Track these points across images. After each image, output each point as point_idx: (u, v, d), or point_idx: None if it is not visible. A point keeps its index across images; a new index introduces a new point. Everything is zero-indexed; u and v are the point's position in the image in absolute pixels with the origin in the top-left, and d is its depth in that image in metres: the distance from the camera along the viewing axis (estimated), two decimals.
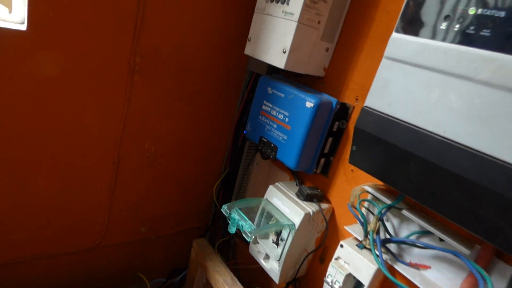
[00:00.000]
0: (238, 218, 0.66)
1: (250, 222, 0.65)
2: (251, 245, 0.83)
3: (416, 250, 0.60)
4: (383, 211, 0.61)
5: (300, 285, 0.83)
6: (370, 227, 0.61)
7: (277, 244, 0.77)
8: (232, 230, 0.67)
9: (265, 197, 0.78)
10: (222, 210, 0.69)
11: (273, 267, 0.77)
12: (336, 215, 0.76)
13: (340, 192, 0.75)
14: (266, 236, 0.81)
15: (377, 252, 0.59)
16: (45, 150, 0.73)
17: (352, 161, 0.59)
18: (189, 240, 0.96)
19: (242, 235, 0.67)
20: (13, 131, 0.68)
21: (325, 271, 0.67)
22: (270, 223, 0.76)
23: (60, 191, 0.79)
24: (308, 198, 0.74)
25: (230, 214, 0.67)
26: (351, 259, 0.64)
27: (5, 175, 0.70)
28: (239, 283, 0.77)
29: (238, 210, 0.68)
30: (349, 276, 0.65)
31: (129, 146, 0.83)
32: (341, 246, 0.66)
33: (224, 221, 1.05)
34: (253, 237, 0.68)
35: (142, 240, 0.98)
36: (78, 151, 0.77)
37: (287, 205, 0.73)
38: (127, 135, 0.82)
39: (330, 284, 0.66)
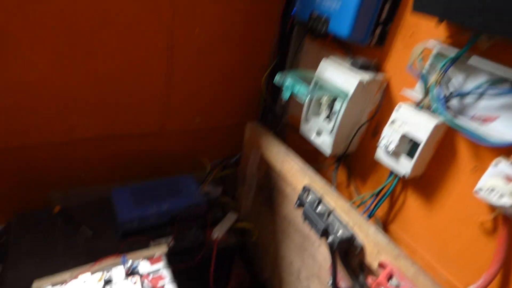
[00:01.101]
0: (293, 83, 0.67)
1: (306, 85, 0.66)
2: (302, 124, 0.84)
3: (481, 104, 0.58)
4: (447, 65, 0.58)
5: (350, 161, 0.85)
6: (432, 80, 0.59)
7: (329, 119, 0.78)
8: (287, 95, 0.68)
9: (316, 72, 0.77)
10: (275, 79, 0.70)
11: (324, 140, 0.79)
12: (392, 87, 0.74)
13: (397, 61, 0.72)
14: (317, 113, 0.82)
15: (439, 103, 0.57)
16: (106, 36, 0.77)
17: (417, 6, 0.55)
18: (241, 133, 1.00)
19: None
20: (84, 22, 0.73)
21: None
22: (323, 97, 0.76)
23: (124, 75, 0.84)
24: (362, 67, 0.72)
25: (284, 80, 0.68)
26: (408, 119, 0.63)
27: (77, 57, 0.77)
28: (292, 153, 0.81)
29: (294, 75, 0.68)
30: (404, 138, 0.64)
31: (180, 31, 0.85)
32: (398, 108, 0.65)
33: (273, 114, 1.07)
34: (308, 97, 0.68)
35: (198, 129, 1.05)
36: (134, 36, 0.80)
37: (340, 76, 0.72)
38: (177, 20, 0.83)
39: (384, 147, 0.67)
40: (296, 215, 0.82)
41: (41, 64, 0.75)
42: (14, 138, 0.81)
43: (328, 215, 0.64)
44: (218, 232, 0.91)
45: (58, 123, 0.84)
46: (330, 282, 0.68)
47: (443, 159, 0.64)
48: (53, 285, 0.64)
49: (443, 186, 0.64)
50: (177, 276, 0.70)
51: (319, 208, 0.66)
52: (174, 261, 0.74)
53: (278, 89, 1.04)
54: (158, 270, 0.69)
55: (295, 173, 0.76)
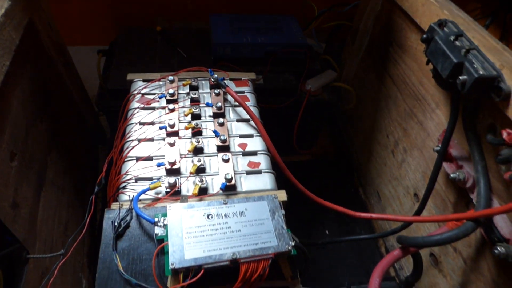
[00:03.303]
0: None
1: None
2: None
3: None
4: None
5: None
6: None
7: None
8: None
9: None
10: None
11: None
12: None
13: None
14: None
15: None
16: None
17: None
18: None
19: None
20: None
21: None
22: None
23: None
24: None
25: None
26: None
27: None
28: None
29: None
30: None
31: None
32: None
33: None
34: None
35: None
36: None
37: None
38: None
39: None
40: (412, 72, 0.66)
41: None
42: None
43: (468, 51, 0.47)
44: (312, 84, 0.82)
45: None
46: (439, 147, 0.55)
47: None
48: (143, 80, 0.65)
49: None
50: (260, 113, 0.65)
51: (456, 42, 0.49)
52: (261, 100, 0.68)
53: None
54: (242, 92, 0.65)
55: (429, 9, 0.57)
